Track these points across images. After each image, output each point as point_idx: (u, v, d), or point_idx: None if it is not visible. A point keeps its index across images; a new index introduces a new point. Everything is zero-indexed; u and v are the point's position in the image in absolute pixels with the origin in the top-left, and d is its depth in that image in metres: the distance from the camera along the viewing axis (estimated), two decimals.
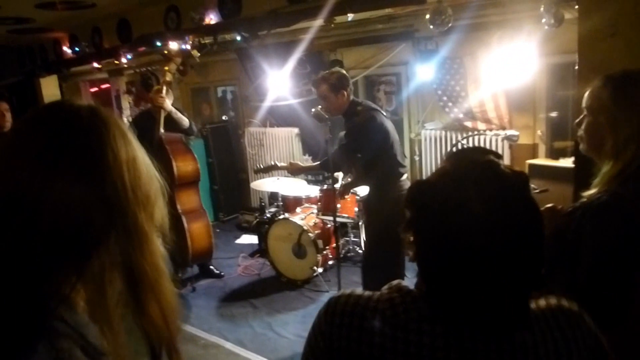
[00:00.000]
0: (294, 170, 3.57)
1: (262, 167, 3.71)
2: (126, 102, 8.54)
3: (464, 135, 4.82)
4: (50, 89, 4.66)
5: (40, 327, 0.65)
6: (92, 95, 10.27)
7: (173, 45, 3.67)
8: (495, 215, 0.77)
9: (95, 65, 4.17)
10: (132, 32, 3.47)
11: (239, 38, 2.78)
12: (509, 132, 4.40)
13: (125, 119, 8.64)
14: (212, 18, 3.00)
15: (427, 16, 2.87)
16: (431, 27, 2.92)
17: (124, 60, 3.91)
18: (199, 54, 3.44)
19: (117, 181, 0.71)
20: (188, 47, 3.36)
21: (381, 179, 3.20)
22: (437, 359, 0.81)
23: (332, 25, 2.72)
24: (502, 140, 4.58)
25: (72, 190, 0.67)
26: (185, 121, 4.46)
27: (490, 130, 4.73)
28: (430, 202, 0.82)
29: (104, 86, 9.80)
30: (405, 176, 3.29)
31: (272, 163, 3.64)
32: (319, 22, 3.68)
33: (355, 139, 3.12)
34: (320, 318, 0.94)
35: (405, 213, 0.87)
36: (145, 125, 4.52)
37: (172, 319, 0.81)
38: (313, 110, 3.38)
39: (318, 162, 3.28)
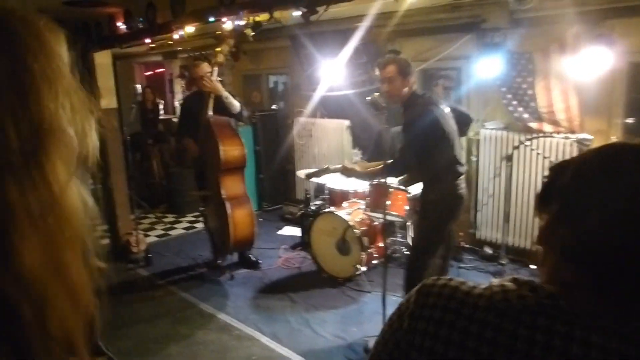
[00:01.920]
0: (349, 174, 3.33)
1: (313, 172, 3.49)
2: (179, 86, 8.59)
3: (528, 136, 4.47)
4: (103, 65, 4.64)
5: None
6: (146, 78, 10.45)
7: (227, 24, 3.53)
8: None
9: (147, 41, 4.11)
10: (186, 7, 3.36)
11: (295, 13, 2.59)
12: (582, 135, 4.04)
13: (177, 103, 8.72)
14: None
15: None
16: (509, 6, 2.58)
17: (175, 36, 3.81)
18: (253, 34, 3.28)
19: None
20: (242, 23, 3.20)
21: (436, 177, 2.96)
22: None
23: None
24: (571, 144, 4.23)
25: None
26: (235, 106, 4.36)
27: (558, 133, 4.36)
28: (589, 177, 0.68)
29: (158, 70, 9.95)
30: (463, 176, 3.03)
31: (325, 166, 3.40)
32: (376, 5, 3.45)
33: (410, 134, 2.88)
34: (410, 298, 0.79)
35: (546, 202, 0.73)
36: (194, 106, 4.48)
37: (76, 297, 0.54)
38: (370, 97, 3.16)
39: (380, 166, 3.05)
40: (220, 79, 4.39)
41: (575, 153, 4.25)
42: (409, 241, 4.70)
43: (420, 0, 3.99)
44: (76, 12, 4.00)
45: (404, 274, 3.23)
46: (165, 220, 6.47)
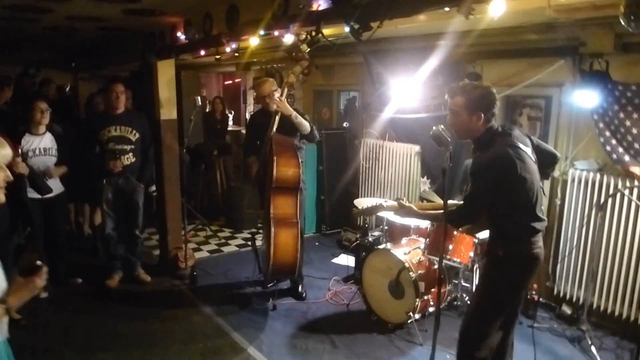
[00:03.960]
0: (404, 214, 2.88)
1: (364, 208, 3.09)
2: (251, 97, 8.53)
3: (627, 184, 3.78)
4: (166, 74, 4.55)
5: None
6: (224, 88, 10.57)
7: (287, 38, 3.25)
8: None
9: (202, 53, 3.96)
10: (239, 19, 3.14)
11: (347, 29, 2.25)
12: None
13: (248, 115, 8.68)
14: (320, 4, 2.51)
15: (622, 7, 1.93)
16: (624, 23, 2.01)
17: (227, 49, 3.61)
18: (308, 50, 2.98)
19: None
20: (292, 37, 2.92)
21: (508, 233, 2.44)
22: None
23: (471, 17, 2.03)
24: None
25: None
26: (305, 126, 4.14)
27: None
28: None
29: (237, 80, 10.02)
30: (540, 234, 2.48)
31: (377, 203, 2.98)
32: (455, 23, 3.01)
33: (481, 180, 2.39)
34: None
35: None
36: (259, 123, 4.33)
37: None
38: (434, 128, 2.71)
39: (440, 210, 2.58)
40: (292, 92, 4.16)
41: None
42: (475, 287, 4.15)
43: (507, 19, 3.49)
44: (140, 22, 3.93)
45: (457, 342, 2.72)
46: (221, 235, 6.31)
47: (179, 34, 3.97)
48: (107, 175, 4.39)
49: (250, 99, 8.60)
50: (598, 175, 3.97)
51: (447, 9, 2.05)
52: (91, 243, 5.60)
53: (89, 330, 3.84)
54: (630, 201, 3.76)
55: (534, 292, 4.15)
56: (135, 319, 4.03)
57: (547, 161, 2.70)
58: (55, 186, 4.19)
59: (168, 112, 4.69)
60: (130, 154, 4.43)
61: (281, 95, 4.09)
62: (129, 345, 3.64)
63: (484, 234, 3.69)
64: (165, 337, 3.77)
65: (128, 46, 4.97)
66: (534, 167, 2.48)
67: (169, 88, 4.62)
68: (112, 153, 4.33)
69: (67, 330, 3.84)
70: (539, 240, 2.49)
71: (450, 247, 3.85)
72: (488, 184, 2.37)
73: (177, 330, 3.87)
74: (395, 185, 5.80)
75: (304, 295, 4.46)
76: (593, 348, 3.58)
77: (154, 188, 5.36)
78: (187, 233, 5.46)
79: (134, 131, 4.43)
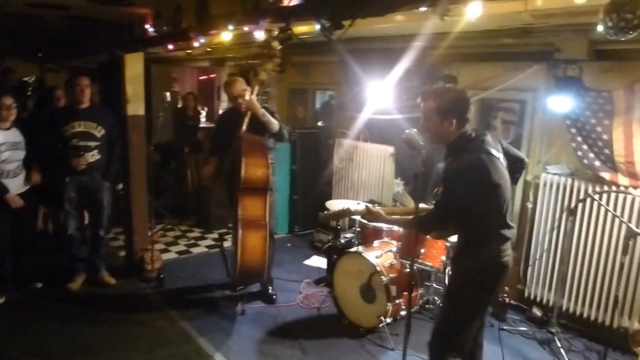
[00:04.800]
0: (372, 219, 2.79)
1: (331, 213, 2.98)
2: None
3: (598, 188, 3.80)
4: (134, 68, 4.37)
5: None
6: (198, 83, 10.35)
7: (258, 34, 3.14)
8: None
9: (171, 47, 3.82)
10: (209, 12, 3.02)
11: (317, 27, 2.16)
12: None
13: (222, 111, 8.50)
14: (291, 0, 2.42)
15: (601, 14, 1.88)
16: (603, 30, 1.96)
17: (195, 44, 3.48)
18: (280, 47, 2.88)
19: None
20: (263, 33, 2.82)
21: (478, 241, 2.39)
22: None
23: (447, 19, 1.97)
24: None
25: None
26: (274, 125, 4.03)
27: (636, 188, 3.67)
28: None
29: (212, 75, 9.82)
30: (509, 242, 2.44)
31: (345, 207, 2.88)
32: (432, 24, 2.96)
33: (452, 186, 2.33)
34: None
35: None
36: (228, 121, 4.19)
37: None
38: (406, 132, 2.65)
39: (410, 217, 2.50)
40: (266, 89, 4.03)
41: None
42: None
43: (484, 23, 3.46)
44: (107, 11, 3.76)
45: (427, 352, 2.66)
46: (190, 235, 6.16)
47: (147, 26, 3.81)
48: (71, 173, 4.21)
49: (225, 96, 8.43)
50: (569, 180, 3.99)
51: (422, 9, 1.98)
52: (54, 242, 5.38)
53: (48, 337, 3.66)
54: (599, 206, 3.78)
55: (505, 295, 4.15)
56: (98, 324, 3.87)
57: (515, 166, 2.68)
58: (15, 185, 4.01)
59: (135, 107, 4.52)
60: (95, 151, 4.25)
61: (252, 92, 3.97)
62: (90, 352, 3.48)
63: (455, 238, 3.67)
64: (129, 343, 3.62)
65: (96, 37, 4.77)
66: (505, 174, 2.44)
67: (137, 83, 4.45)
68: (76, 150, 4.16)
69: (24, 337, 3.65)
70: (508, 248, 2.45)
71: (422, 251, 3.81)
72: (459, 190, 2.32)
73: (142, 335, 3.73)
74: (369, 186, 5.75)
75: (274, 297, 4.36)
76: (562, 351, 3.59)
77: (121, 186, 5.19)
78: (155, 233, 5.30)
79: (100, 127, 4.25)
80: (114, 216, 5.58)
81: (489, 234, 2.37)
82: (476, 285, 2.40)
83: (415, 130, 2.59)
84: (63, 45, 6.92)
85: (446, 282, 4.06)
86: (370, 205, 2.75)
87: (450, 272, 3.29)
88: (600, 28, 1.97)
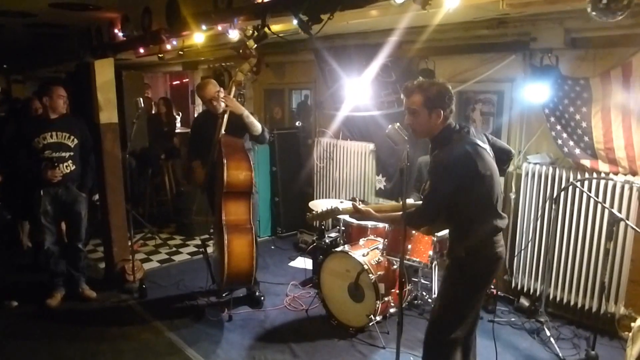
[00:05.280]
0: (360, 217, 2.72)
1: (317, 213, 2.90)
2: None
3: (579, 176, 3.83)
4: (104, 75, 4.24)
5: None
6: (171, 88, 10.18)
7: (233, 34, 3.06)
8: None
9: (142, 51, 3.71)
10: (180, 13, 2.93)
11: (295, 22, 2.10)
12: None
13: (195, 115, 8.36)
14: None
15: None
16: (593, 13, 1.94)
17: (168, 46, 3.38)
18: (255, 46, 2.81)
19: None
20: (237, 33, 2.74)
21: (470, 232, 2.36)
22: None
23: (423, 12, 1.93)
24: (631, 188, 3.56)
25: None
26: (257, 127, 3.97)
27: (615, 174, 3.70)
28: None
29: (185, 80, 9.67)
30: (501, 233, 2.42)
31: (332, 207, 2.80)
32: (408, 18, 2.92)
33: (440, 178, 2.29)
34: None
35: None
36: (205, 124, 4.10)
37: None
38: (389, 127, 2.61)
39: (399, 213, 2.45)
40: (240, 91, 3.95)
41: (636, 200, 3.58)
42: (435, 285, 4.10)
43: (460, 14, 3.45)
44: (74, 17, 3.62)
45: (423, 349, 2.61)
46: (171, 242, 6.03)
47: (116, 30, 3.69)
48: (45, 185, 4.06)
49: (199, 100, 8.30)
50: (551, 169, 4.00)
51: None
52: (31, 258, 5.20)
53: (27, 355, 3.51)
54: (582, 194, 3.80)
55: (492, 287, 4.15)
56: (80, 340, 3.73)
57: (502, 158, 2.65)
58: None
59: (108, 115, 4.38)
60: (70, 162, 4.11)
61: (229, 94, 3.89)
62: None
63: (443, 232, 3.64)
64: (113, 357, 3.50)
65: (63, 45, 4.61)
66: (493, 165, 2.42)
67: (108, 90, 4.31)
68: (50, 161, 4.01)
69: (0, 358, 3.50)
70: (501, 239, 2.43)
71: (410, 246, 3.78)
72: (448, 182, 2.28)
73: (126, 349, 3.60)
74: (350, 184, 5.71)
75: (262, 299, 4.28)
76: (552, 339, 3.61)
77: (97, 197, 5.04)
78: (135, 243, 5.17)
79: (72, 137, 4.11)
80: (91, 228, 5.42)
81: (481, 226, 2.34)
82: (471, 278, 2.37)
83: (398, 125, 2.55)
84: (29, 55, 6.70)
85: (434, 277, 4.06)
86: (356, 204, 2.70)
87: (445, 266, 3.26)
88: (589, 9, 1.95)
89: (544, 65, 3.76)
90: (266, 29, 2.55)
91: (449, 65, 4.53)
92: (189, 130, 8.17)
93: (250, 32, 2.79)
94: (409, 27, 4.16)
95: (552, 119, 3.94)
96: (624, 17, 2.01)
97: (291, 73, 6.52)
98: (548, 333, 3.68)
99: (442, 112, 2.35)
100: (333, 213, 2.77)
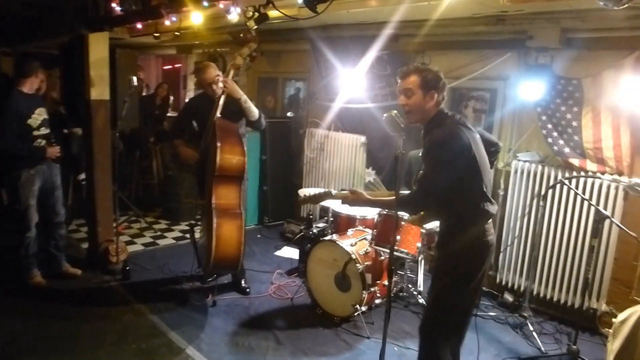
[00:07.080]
0: (355, 203, 2.71)
1: (311, 195, 2.86)
2: (192, 82, 8.15)
3: (567, 174, 3.88)
4: (99, 51, 4.16)
5: None
6: (163, 73, 10.06)
7: (232, 14, 3.03)
8: None
9: (140, 26, 3.65)
10: None
11: (300, 1, 2.07)
12: (634, 180, 3.42)
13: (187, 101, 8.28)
14: None
15: None
16: (600, 2, 1.96)
17: (167, 22, 3.33)
18: (255, 27, 2.78)
19: None
20: (237, 14, 2.71)
21: (463, 220, 2.37)
22: None
23: (425, 3, 1.92)
24: (617, 188, 3.62)
25: None
26: (254, 112, 3.93)
27: (603, 173, 3.75)
28: None
29: (177, 65, 9.56)
30: (491, 220, 2.43)
31: (326, 190, 2.78)
32: (406, 10, 2.92)
33: (433, 161, 2.30)
34: None
35: None
36: (200, 107, 4.04)
37: None
38: (386, 114, 2.60)
39: (393, 197, 2.44)
40: (234, 78, 3.92)
41: (621, 199, 3.63)
42: (420, 277, 4.12)
43: (461, 9, 3.46)
44: None
45: (420, 342, 2.60)
46: (156, 227, 5.97)
47: (113, 4, 3.63)
48: (34, 164, 3.96)
49: (191, 85, 8.21)
50: (540, 167, 4.05)
51: None
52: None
53: (9, 334, 3.44)
54: (569, 192, 3.85)
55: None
56: (62, 319, 3.67)
57: (490, 150, 2.67)
58: None
59: (100, 91, 4.30)
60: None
61: (227, 77, 3.85)
62: (54, 349, 3.29)
63: (431, 225, 3.66)
64: (95, 338, 3.46)
65: (57, 18, 4.50)
66: (483, 150, 2.44)
67: (102, 66, 4.23)
68: (46, 138, 3.96)
69: None
70: (491, 227, 2.44)
71: (398, 237, 3.79)
72: (442, 163, 2.29)
73: (108, 330, 3.56)
74: (340, 176, 5.71)
75: (247, 289, 4.26)
76: (534, 334, 3.65)
77: (83, 176, 4.96)
78: (120, 225, 5.11)
79: (45, 111, 4.07)
80: (75, 207, 5.34)
81: (473, 211, 2.34)
82: (463, 267, 2.38)
83: (395, 112, 2.55)
84: (21, 27, 6.54)
85: (420, 268, 4.07)
86: (353, 189, 2.69)
87: (431, 260, 3.27)
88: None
89: (538, 64, 3.79)
90: (270, 4, 2.52)
91: (444, 60, 4.54)
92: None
93: (251, 13, 2.76)
94: (406, 21, 4.16)
95: (544, 118, 3.98)
96: (623, 18, 2.04)
97: (286, 62, 6.48)
98: (531, 328, 3.72)
99: (436, 95, 2.37)
100: (325, 196, 2.75)
